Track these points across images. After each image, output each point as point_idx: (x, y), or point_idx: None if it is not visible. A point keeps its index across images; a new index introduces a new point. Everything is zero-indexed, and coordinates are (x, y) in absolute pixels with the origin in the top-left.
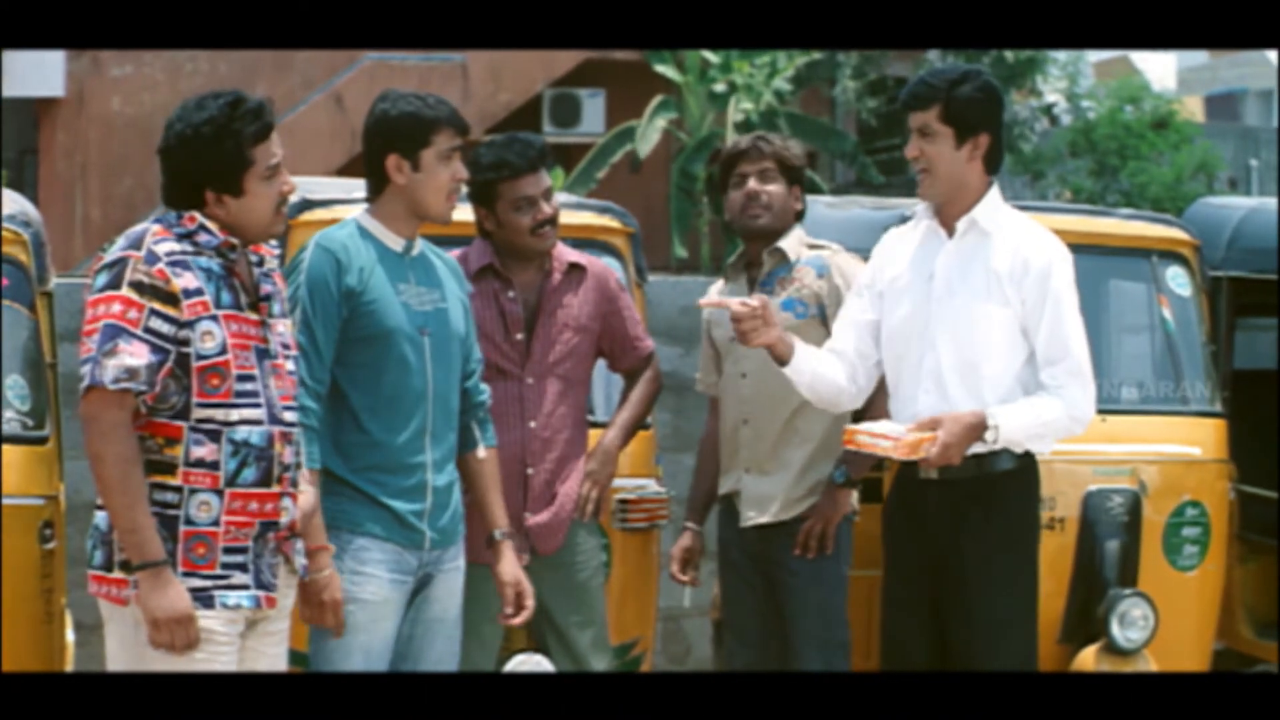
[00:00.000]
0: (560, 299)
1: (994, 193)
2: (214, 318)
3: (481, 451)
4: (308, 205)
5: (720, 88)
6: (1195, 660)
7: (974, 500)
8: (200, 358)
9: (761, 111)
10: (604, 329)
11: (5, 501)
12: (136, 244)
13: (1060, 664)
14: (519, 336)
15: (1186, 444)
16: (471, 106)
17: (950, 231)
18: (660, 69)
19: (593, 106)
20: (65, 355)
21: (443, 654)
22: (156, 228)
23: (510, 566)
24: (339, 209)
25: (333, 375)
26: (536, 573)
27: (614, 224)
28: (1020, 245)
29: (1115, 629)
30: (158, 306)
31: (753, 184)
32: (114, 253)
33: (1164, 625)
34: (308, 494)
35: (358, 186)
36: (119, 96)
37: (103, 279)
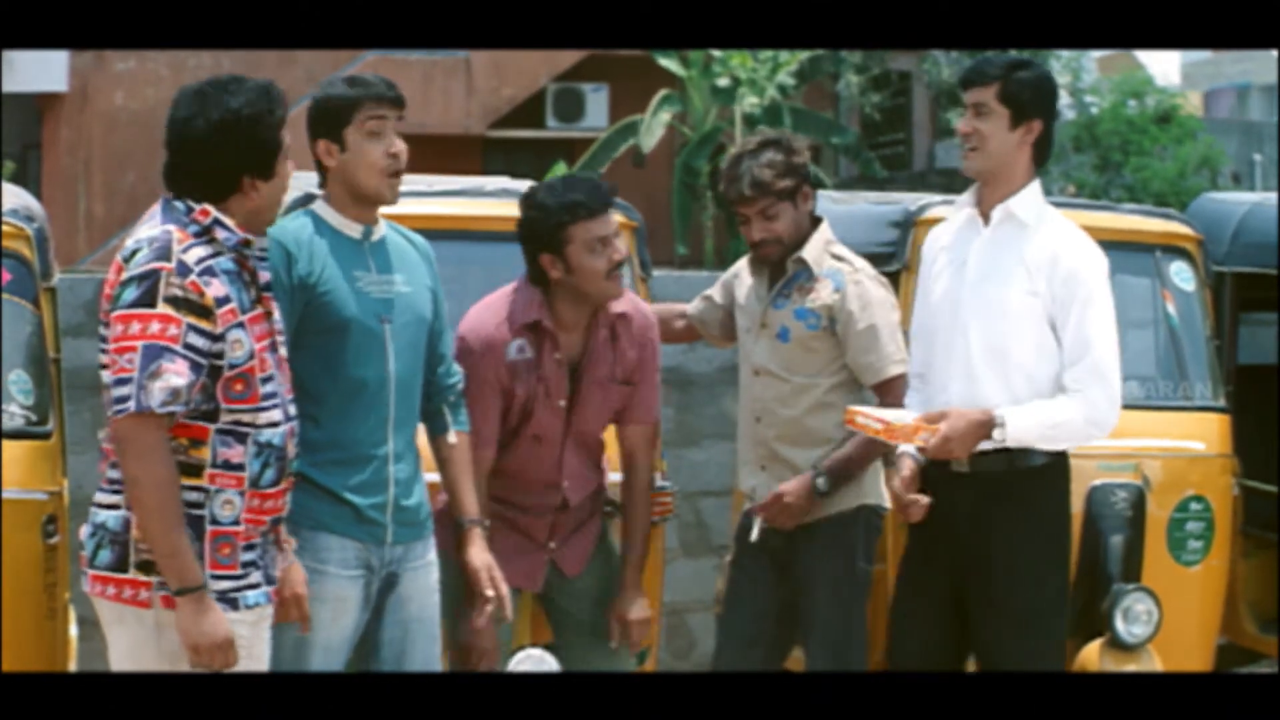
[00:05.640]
0: (603, 357)
1: (1035, 186)
2: (241, 325)
3: (452, 436)
4: (311, 199)
5: (724, 82)
6: (1199, 656)
7: (1003, 496)
8: (231, 367)
9: (765, 106)
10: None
11: (8, 496)
12: (165, 254)
13: (1064, 659)
14: (561, 403)
15: (1190, 439)
16: (475, 101)
17: (987, 220)
18: (664, 63)
19: (596, 101)
20: (69, 350)
21: (426, 655)
22: (177, 231)
23: (478, 552)
24: None
25: (293, 368)
26: (555, 584)
27: (618, 218)
28: (1052, 240)
29: (1119, 624)
30: (194, 321)
31: (758, 230)
32: (141, 264)
33: (1168, 620)
34: None
35: None
36: (122, 91)
37: (132, 293)
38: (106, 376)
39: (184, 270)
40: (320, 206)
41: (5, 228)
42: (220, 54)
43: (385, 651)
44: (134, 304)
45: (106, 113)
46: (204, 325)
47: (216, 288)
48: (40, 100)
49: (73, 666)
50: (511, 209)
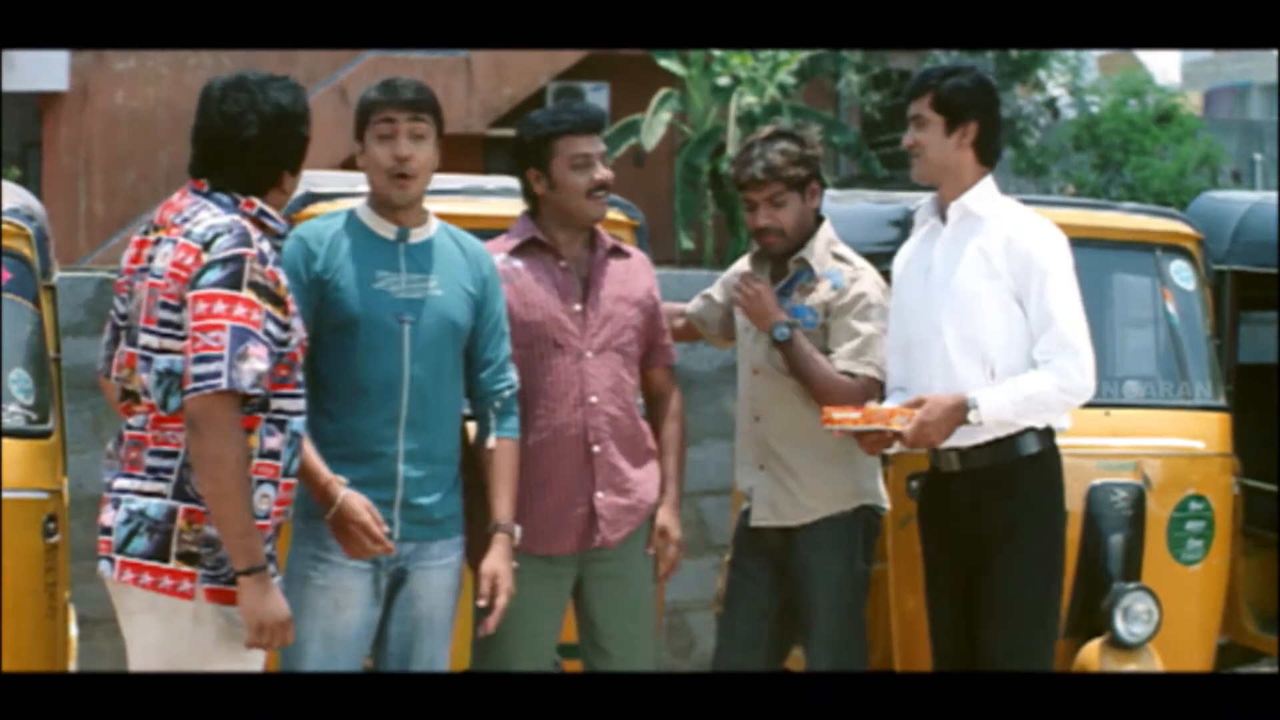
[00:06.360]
0: (611, 272)
1: (987, 182)
2: (298, 314)
3: (491, 442)
4: (313, 199)
5: (724, 81)
6: (1199, 655)
7: (994, 488)
8: (289, 353)
9: (765, 105)
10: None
11: (8, 495)
12: (247, 241)
13: (1064, 659)
14: (576, 308)
15: (1190, 438)
16: (475, 100)
17: (946, 223)
18: (664, 63)
19: (596, 100)
20: (69, 349)
21: (433, 654)
22: (246, 222)
23: (493, 561)
24: (343, 202)
25: (313, 362)
26: (589, 585)
27: (619, 217)
28: (1006, 226)
29: (1119, 623)
30: (270, 309)
31: (763, 216)
32: (225, 248)
33: (1168, 620)
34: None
35: (361, 180)
36: (122, 90)
37: (217, 274)
38: (162, 360)
39: (263, 259)
40: (360, 206)
41: (5, 227)
42: (220, 54)
43: (391, 646)
44: (219, 284)
45: (107, 112)
46: (278, 314)
47: (283, 277)
48: (41, 99)
49: (73, 666)
50: (511, 208)
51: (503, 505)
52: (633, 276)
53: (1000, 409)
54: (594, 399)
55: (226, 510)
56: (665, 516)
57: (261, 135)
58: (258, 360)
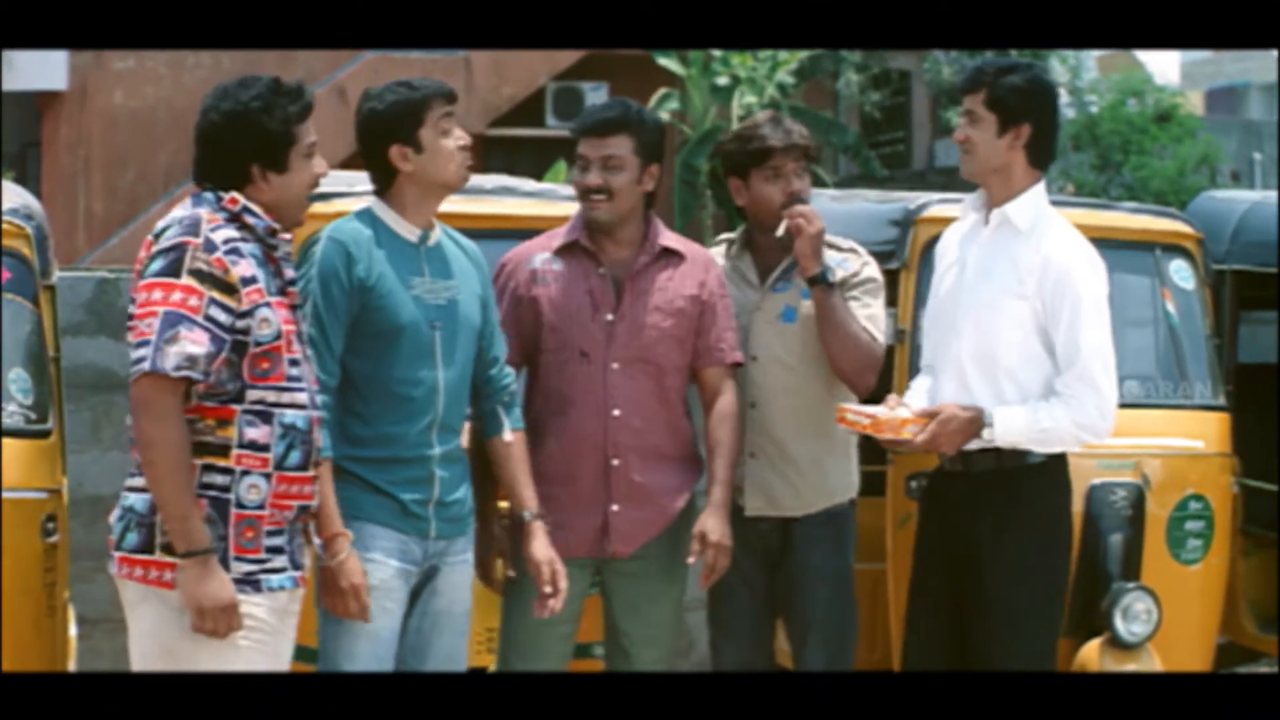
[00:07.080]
0: (652, 279)
1: (1038, 190)
2: (269, 304)
3: (508, 435)
4: (312, 198)
5: (723, 81)
6: (1198, 654)
7: (996, 493)
8: (257, 344)
9: (764, 105)
10: (697, 318)
11: (8, 495)
12: (193, 230)
13: (1063, 658)
14: (607, 318)
15: (1190, 438)
16: (475, 100)
17: (989, 224)
18: (663, 62)
19: (595, 100)
20: (68, 349)
21: (451, 648)
22: (207, 214)
23: (541, 546)
24: (341, 202)
25: (343, 366)
26: (608, 583)
27: None
28: (1045, 244)
29: (1119, 623)
30: (217, 296)
31: (795, 183)
32: (170, 238)
33: (1167, 619)
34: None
35: (362, 179)
36: (121, 90)
37: (159, 264)
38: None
39: (210, 247)
40: (379, 208)
41: (5, 226)
42: (220, 53)
43: (410, 639)
44: (159, 273)
45: (106, 111)
46: (227, 301)
47: (244, 268)
48: (40, 99)
49: (73, 666)
50: (510, 207)
51: (530, 493)
52: (679, 281)
53: (1015, 432)
54: (617, 412)
55: (162, 493)
56: (706, 520)
57: (221, 129)
58: (190, 344)
